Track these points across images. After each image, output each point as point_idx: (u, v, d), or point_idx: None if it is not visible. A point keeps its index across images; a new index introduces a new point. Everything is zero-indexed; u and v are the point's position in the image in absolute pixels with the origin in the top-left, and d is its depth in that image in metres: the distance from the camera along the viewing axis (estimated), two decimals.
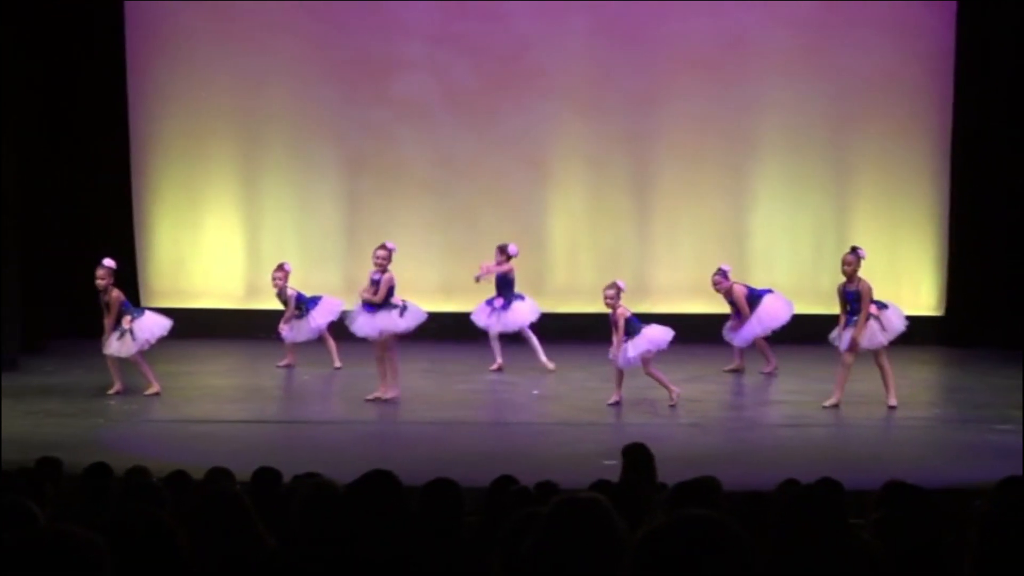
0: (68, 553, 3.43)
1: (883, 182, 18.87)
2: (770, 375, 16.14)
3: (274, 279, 16.46)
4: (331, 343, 16.37)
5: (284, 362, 16.45)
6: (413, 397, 14.69)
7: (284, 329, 16.35)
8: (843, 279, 14.14)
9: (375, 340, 14.55)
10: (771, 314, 15.96)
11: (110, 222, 18.42)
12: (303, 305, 16.34)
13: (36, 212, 17.54)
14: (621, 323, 14.11)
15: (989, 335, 17.88)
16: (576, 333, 16.78)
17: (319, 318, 16.33)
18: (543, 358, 16.25)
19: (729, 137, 18.90)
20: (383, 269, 14.47)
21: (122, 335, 14.57)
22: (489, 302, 16.42)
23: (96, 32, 18.56)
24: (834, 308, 14.73)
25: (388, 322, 14.43)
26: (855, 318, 13.97)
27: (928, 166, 18.86)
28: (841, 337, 14.12)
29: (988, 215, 18.35)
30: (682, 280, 16.76)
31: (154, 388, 14.66)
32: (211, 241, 19.14)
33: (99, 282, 14.57)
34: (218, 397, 14.86)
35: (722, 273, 16.06)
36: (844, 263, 14.16)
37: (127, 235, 18.61)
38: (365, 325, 14.54)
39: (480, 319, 16.45)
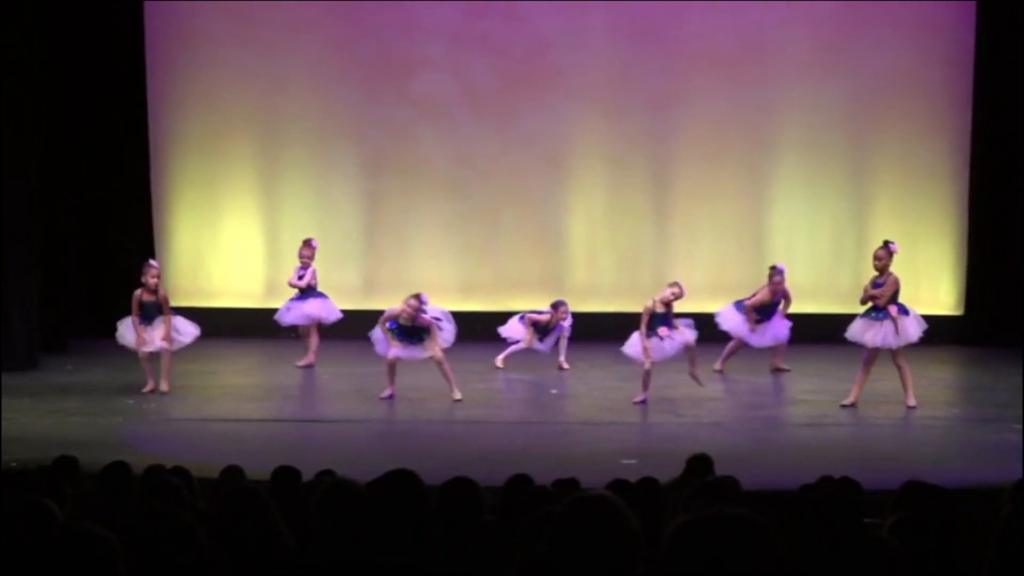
0: (82, 551, 3.45)
1: (902, 181, 18.82)
2: (718, 372, 16.09)
3: (301, 255, 16.48)
4: (315, 341, 16.44)
5: (303, 362, 16.46)
6: (433, 396, 14.69)
7: (292, 278, 16.53)
8: (873, 274, 14.00)
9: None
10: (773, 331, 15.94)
11: (130, 222, 18.49)
12: (308, 289, 16.42)
13: (57, 212, 17.60)
14: (646, 317, 14.11)
15: (1008, 334, 17.82)
16: (595, 332, 16.73)
17: (315, 310, 16.40)
18: (562, 357, 16.35)
19: (748, 136, 18.87)
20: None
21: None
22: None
23: (116, 33, 18.61)
24: (852, 307, 14.68)
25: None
26: (874, 314, 13.88)
27: (947, 165, 18.81)
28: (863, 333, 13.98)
29: (1007, 214, 18.29)
30: (701, 280, 16.69)
31: (150, 386, 14.75)
32: (231, 240, 19.17)
33: (152, 280, 14.73)
34: (237, 396, 14.89)
35: (781, 273, 15.92)
36: (875, 258, 13.99)
37: (147, 234, 18.67)
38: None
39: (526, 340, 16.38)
